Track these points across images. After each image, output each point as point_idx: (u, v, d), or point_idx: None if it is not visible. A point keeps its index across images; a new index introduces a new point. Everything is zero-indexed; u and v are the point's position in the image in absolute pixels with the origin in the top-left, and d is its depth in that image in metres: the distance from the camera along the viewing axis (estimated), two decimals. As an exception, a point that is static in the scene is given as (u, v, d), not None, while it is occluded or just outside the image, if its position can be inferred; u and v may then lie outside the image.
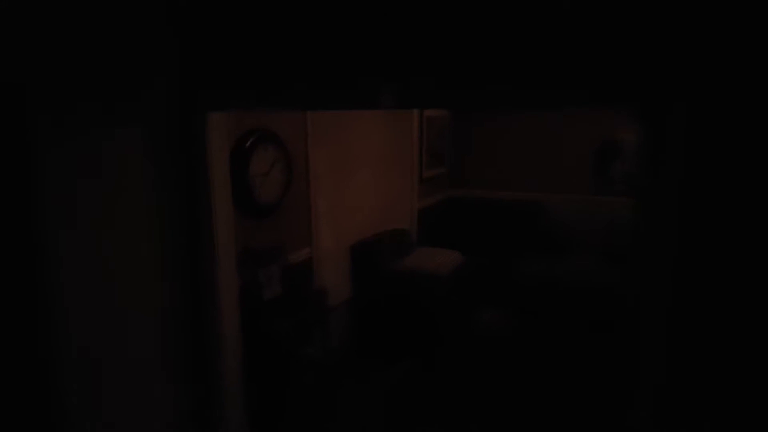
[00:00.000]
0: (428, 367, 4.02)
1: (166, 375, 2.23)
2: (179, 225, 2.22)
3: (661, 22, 1.50)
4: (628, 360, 1.78)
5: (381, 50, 1.82)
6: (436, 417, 3.41)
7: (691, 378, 1.63)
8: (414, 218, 5.25)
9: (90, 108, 1.83)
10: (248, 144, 3.02)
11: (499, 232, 5.47)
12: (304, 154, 3.59)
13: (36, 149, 1.67)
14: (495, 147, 5.75)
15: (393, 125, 4.85)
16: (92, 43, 1.81)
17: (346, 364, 4.04)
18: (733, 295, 1.53)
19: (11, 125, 1.61)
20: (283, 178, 3.32)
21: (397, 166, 4.95)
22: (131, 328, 2.06)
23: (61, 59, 1.72)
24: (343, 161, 4.09)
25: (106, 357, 1.96)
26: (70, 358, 1.82)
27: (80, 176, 1.81)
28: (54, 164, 1.72)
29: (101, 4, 1.82)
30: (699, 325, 1.59)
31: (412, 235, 5.11)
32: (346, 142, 4.11)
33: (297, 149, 3.50)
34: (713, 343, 1.58)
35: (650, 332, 1.68)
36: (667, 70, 1.52)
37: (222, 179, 2.42)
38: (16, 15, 1.59)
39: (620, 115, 4.70)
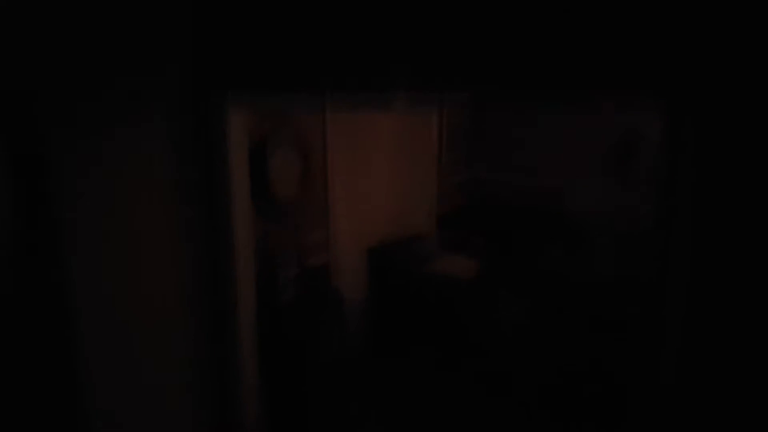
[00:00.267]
0: (449, 367, 3.97)
1: (185, 375, 2.23)
2: (197, 223, 2.23)
3: (681, 11, 1.46)
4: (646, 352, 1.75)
5: (398, 39, 1.81)
6: (457, 419, 3.37)
7: (706, 373, 1.59)
8: (433, 220, 5.21)
9: (104, 107, 1.84)
10: (267, 144, 3.03)
11: (520, 230, 5.39)
12: (323, 154, 3.58)
13: (50, 153, 1.68)
14: (514, 139, 5.67)
15: (412, 127, 4.83)
16: (105, 40, 1.82)
17: (364, 365, 4.01)
18: (752, 288, 1.49)
19: (25, 133, 1.62)
20: (301, 178, 3.32)
21: (416, 167, 4.92)
22: (148, 324, 2.06)
23: (71, 60, 1.73)
24: (361, 162, 4.08)
25: (126, 354, 1.97)
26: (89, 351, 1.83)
27: (96, 175, 1.83)
28: (69, 166, 1.74)
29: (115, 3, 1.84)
30: (716, 319, 1.55)
31: (431, 238, 5.07)
32: (365, 143, 4.10)
33: (316, 149, 3.50)
34: (730, 335, 1.54)
35: (668, 324, 1.64)
36: (691, 60, 1.48)
37: (241, 179, 2.42)
38: (26, 23, 1.61)
39: (642, 106, 4.60)
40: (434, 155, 5.16)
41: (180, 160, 2.12)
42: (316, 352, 3.17)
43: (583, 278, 4.69)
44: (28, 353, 1.71)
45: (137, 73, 1.92)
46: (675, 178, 1.59)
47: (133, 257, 1.98)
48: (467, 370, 4.01)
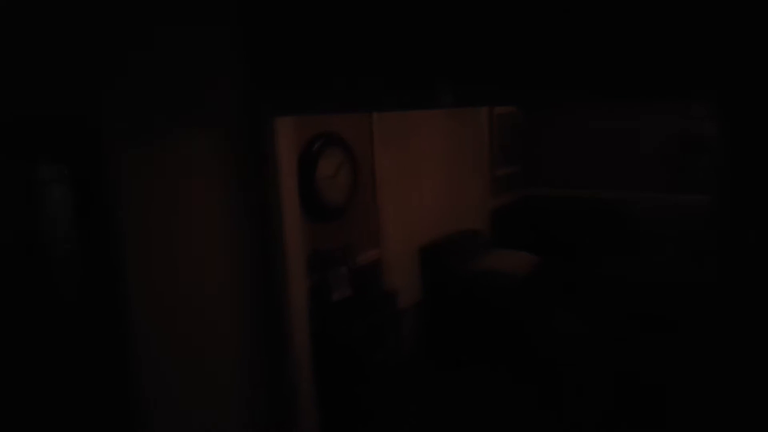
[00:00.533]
0: (503, 372, 3.92)
1: (240, 374, 2.29)
2: (249, 228, 2.28)
3: (734, 7, 1.39)
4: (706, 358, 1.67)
5: (446, 49, 1.79)
6: (511, 424, 3.32)
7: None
8: (486, 218, 5.15)
9: (160, 127, 1.91)
10: (315, 148, 3.07)
11: (575, 231, 5.27)
12: (371, 155, 3.60)
13: (110, 173, 1.76)
14: (568, 143, 5.56)
15: (462, 124, 4.78)
16: (159, 62, 1.89)
17: (417, 367, 4.01)
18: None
19: (86, 155, 1.70)
20: (349, 180, 3.35)
21: (467, 165, 4.87)
22: (202, 330, 2.13)
23: (126, 85, 1.80)
24: (411, 161, 4.07)
25: (179, 360, 2.04)
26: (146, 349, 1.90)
27: (152, 189, 1.90)
28: (128, 184, 1.82)
29: (170, 22, 1.90)
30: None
31: (484, 236, 5.02)
32: (413, 143, 4.09)
33: (363, 151, 3.53)
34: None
35: (731, 329, 1.56)
36: (747, 57, 1.40)
37: (290, 183, 2.47)
38: (95, 54, 1.69)
39: (700, 107, 4.42)
40: (486, 150, 5.09)
41: (233, 174, 2.18)
42: (369, 352, 3.19)
43: (642, 281, 4.55)
44: (86, 367, 1.80)
45: (195, 98, 2.00)
46: (733, 180, 1.51)
47: (188, 264, 2.05)
48: (522, 370, 3.95)
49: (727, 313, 1.62)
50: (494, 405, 3.53)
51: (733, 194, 1.54)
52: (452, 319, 4.21)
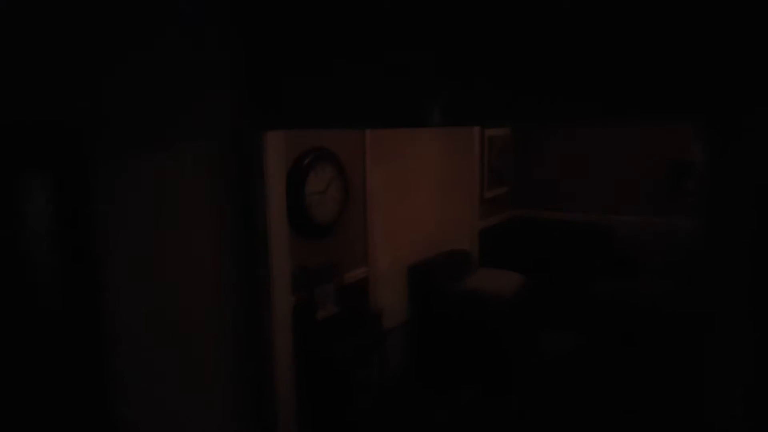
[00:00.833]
0: (491, 393, 3.89)
1: (220, 392, 2.25)
2: (235, 242, 2.26)
3: (723, 33, 1.40)
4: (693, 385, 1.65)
5: (443, 65, 1.80)
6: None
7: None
8: (475, 239, 5.15)
9: (146, 135, 1.89)
10: (305, 163, 3.05)
11: (563, 252, 5.29)
12: (362, 172, 3.59)
13: (95, 182, 1.74)
14: (558, 166, 5.60)
15: (453, 144, 4.80)
16: (147, 72, 1.88)
17: (403, 387, 3.97)
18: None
19: (71, 167, 1.68)
20: (339, 197, 3.34)
21: (457, 185, 4.88)
22: (185, 342, 2.09)
23: (112, 93, 1.78)
24: (401, 180, 4.07)
25: (161, 372, 2.00)
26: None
27: (136, 201, 1.88)
28: (112, 194, 1.79)
29: (163, 33, 1.89)
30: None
31: (473, 256, 5.01)
32: (405, 161, 4.09)
33: (354, 168, 3.52)
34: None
35: (725, 354, 1.55)
36: (735, 82, 1.41)
37: (279, 198, 2.45)
38: (83, 64, 1.67)
39: (691, 130, 4.47)
40: (476, 171, 5.11)
41: (219, 187, 2.16)
42: (355, 371, 3.16)
43: (629, 302, 4.55)
44: (64, 372, 1.76)
45: (183, 109, 1.98)
46: (723, 204, 1.52)
47: (170, 277, 2.02)
48: (508, 390, 3.92)
49: (708, 334, 1.62)
50: (480, 426, 3.49)
51: (714, 219, 1.55)
52: (439, 338, 4.18)
